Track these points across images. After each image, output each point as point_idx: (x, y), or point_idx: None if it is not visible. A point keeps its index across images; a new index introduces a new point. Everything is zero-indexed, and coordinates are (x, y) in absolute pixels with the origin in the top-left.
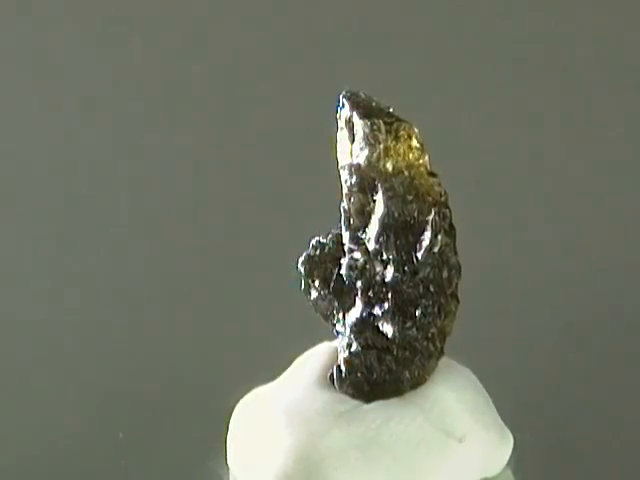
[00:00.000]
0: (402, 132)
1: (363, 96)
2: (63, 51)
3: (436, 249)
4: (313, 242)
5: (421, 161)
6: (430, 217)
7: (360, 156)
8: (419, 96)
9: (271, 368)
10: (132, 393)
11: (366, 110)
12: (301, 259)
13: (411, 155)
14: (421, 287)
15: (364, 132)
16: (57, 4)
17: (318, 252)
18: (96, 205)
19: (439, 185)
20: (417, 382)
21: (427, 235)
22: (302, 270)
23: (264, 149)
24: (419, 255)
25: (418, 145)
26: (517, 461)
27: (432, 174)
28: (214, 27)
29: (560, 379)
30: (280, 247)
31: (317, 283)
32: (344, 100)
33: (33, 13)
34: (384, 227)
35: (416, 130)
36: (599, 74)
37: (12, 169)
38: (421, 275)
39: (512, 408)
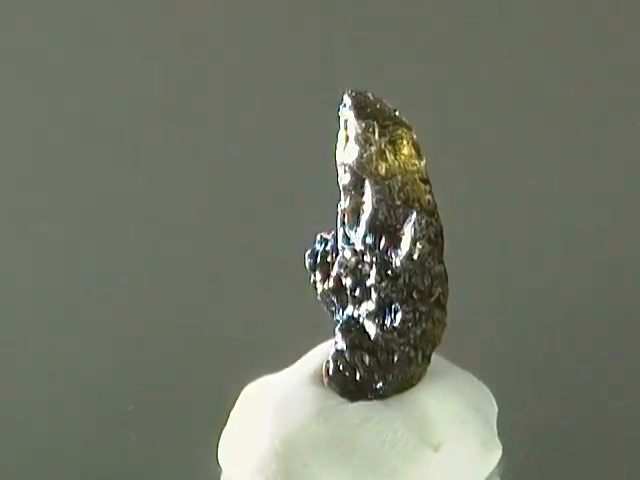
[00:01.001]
0: (398, 136)
1: (371, 97)
2: (63, 52)
3: (415, 256)
4: (318, 237)
5: (415, 167)
6: (410, 224)
7: (352, 156)
8: (421, 97)
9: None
10: (133, 392)
11: (364, 111)
12: (307, 253)
13: (406, 160)
14: (404, 292)
15: (356, 132)
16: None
17: (321, 248)
18: (96, 203)
19: (429, 193)
20: (402, 386)
21: (407, 241)
22: (307, 265)
23: (268, 146)
24: (397, 261)
25: (414, 151)
26: (510, 468)
27: (425, 181)
28: (214, 27)
29: (559, 383)
30: (296, 241)
31: (319, 278)
32: (346, 99)
33: (33, 13)
34: (370, 228)
35: (415, 136)
36: (599, 74)
37: (11, 168)
38: (401, 281)
39: (510, 413)
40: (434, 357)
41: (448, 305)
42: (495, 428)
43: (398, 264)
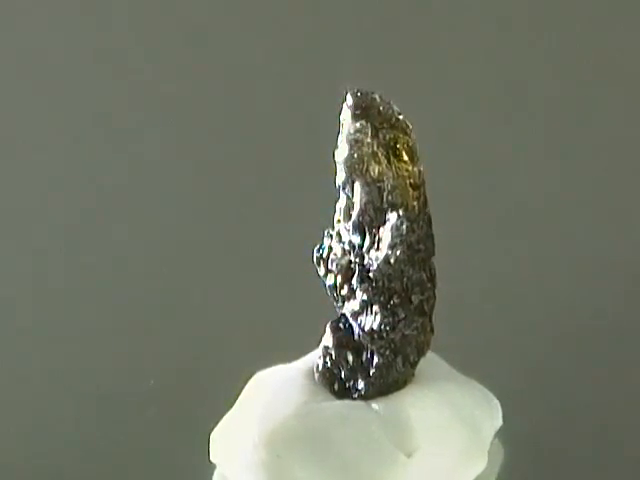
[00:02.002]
0: (392, 140)
1: (377, 98)
2: (63, 51)
3: (392, 260)
4: (326, 232)
5: (407, 172)
6: (389, 228)
7: (342, 155)
8: (422, 97)
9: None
10: (132, 392)
11: (361, 111)
12: (315, 248)
13: (398, 164)
14: (385, 296)
15: (348, 132)
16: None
17: (329, 243)
18: (95, 202)
19: (417, 199)
20: (387, 389)
21: (385, 245)
22: (314, 259)
23: (267, 145)
24: (376, 264)
25: (407, 156)
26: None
27: (415, 187)
28: (215, 25)
29: (560, 385)
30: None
31: (323, 273)
32: (349, 98)
33: (33, 14)
34: (356, 229)
35: (410, 141)
36: (600, 74)
37: (9, 168)
38: (380, 284)
39: (509, 415)
40: (436, 361)
41: (451, 308)
42: (487, 441)
43: (375, 267)
